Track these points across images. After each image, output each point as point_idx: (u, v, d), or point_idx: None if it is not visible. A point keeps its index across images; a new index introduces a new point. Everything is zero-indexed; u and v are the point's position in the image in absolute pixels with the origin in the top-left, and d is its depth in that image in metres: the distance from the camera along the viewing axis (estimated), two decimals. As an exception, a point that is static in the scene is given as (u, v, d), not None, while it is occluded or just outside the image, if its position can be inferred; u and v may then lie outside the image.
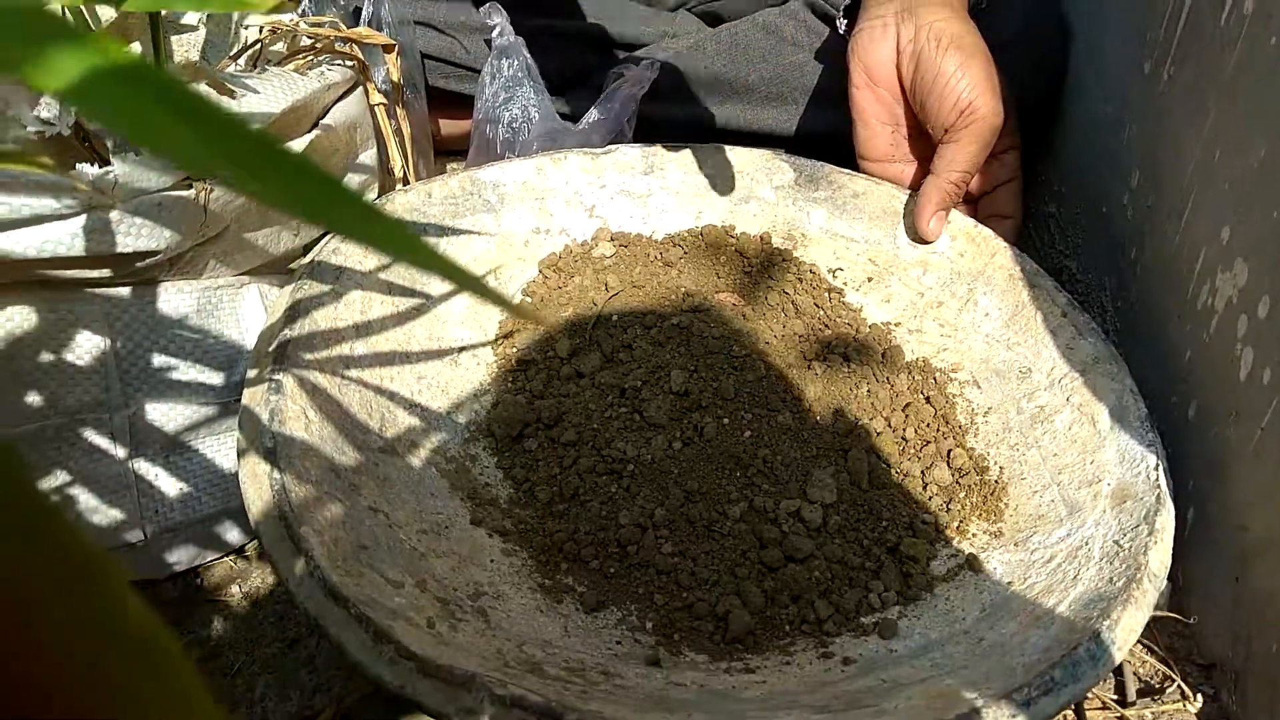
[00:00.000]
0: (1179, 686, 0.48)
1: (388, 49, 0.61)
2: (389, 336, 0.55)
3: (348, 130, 0.57)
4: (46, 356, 0.46)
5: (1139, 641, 0.50)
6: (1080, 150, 0.70)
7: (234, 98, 0.48)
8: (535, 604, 0.45)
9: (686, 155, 0.70)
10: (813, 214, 0.69)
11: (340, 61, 0.58)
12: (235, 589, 0.55)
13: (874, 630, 0.46)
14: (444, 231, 0.63)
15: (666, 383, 0.57)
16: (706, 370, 0.57)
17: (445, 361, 0.58)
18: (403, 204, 0.61)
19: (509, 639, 0.41)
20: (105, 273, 0.45)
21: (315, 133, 0.53)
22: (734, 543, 0.50)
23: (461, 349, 0.60)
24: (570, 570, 0.48)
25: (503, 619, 0.43)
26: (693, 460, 0.53)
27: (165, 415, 0.50)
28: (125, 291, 0.47)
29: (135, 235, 0.43)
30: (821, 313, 0.65)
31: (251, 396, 0.46)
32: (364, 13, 0.69)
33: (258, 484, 0.41)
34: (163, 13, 0.46)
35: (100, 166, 0.43)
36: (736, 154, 0.70)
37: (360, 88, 0.59)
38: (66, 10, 0.42)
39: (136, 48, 0.56)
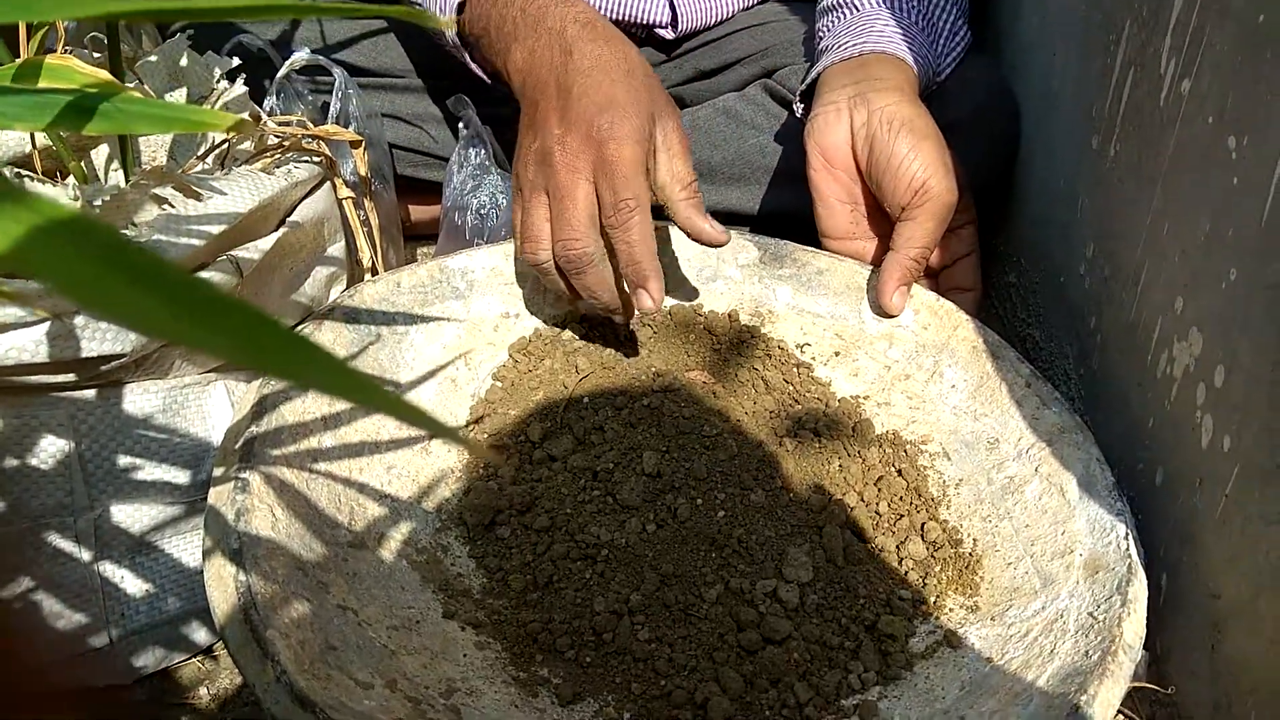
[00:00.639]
0: (1163, 759, 0.48)
1: (354, 144, 0.62)
2: (358, 427, 0.55)
3: (315, 225, 0.58)
4: (10, 462, 0.46)
5: (1120, 712, 0.50)
6: (1036, 223, 0.72)
7: (200, 200, 0.48)
8: (510, 699, 0.45)
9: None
10: (779, 291, 0.70)
11: (308, 158, 0.59)
12: (204, 691, 0.54)
13: (855, 713, 0.46)
14: (414, 320, 0.63)
15: (639, 464, 0.57)
16: (678, 450, 0.58)
17: (416, 450, 0.58)
18: (372, 294, 0.61)
19: (483, 738, 0.40)
20: (70, 377, 0.45)
21: (282, 230, 0.53)
22: (711, 626, 0.49)
23: (432, 436, 0.60)
24: (545, 661, 0.48)
25: (476, 717, 0.42)
26: (667, 542, 0.53)
27: (131, 516, 0.50)
28: (90, 394, 0.47)
29: (100, 339, 0.43)
30: (791, 388, 0.65)
31: (217, 496, 0.45)
32: (332, 108, 0.71)
33: (223, 587, 0.40)
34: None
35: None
36: (702, 234, 0.71)
37: (328, 183, 0.60)
38: (37, 137, 0.42)
39: (104, 150, 0.56)
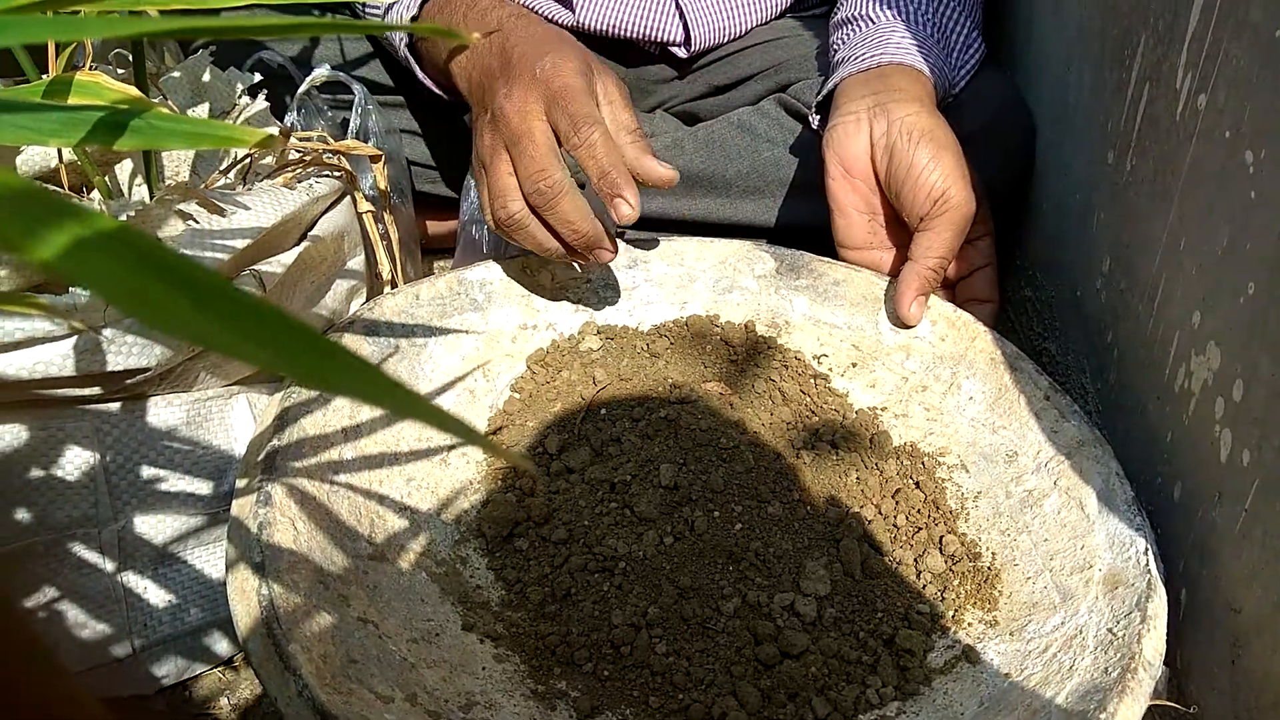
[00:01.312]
0: (1184, 775, 0.48)
1: (374, 159, 0.63)
2: (378, 439, 0.56)
3: (335, 239, 0.58)
4: (36, 473, 0.46)
5: (1141, 729, 0.49)
6: (1052, 236, 0.72)
7: (224, 215, 0.49)
8: (528, 712, 0.45)
9: (669, 248, 0.71)
10: (795, 302, 0.70)
11: (328, 173, 0.59)
12: (224, 701, 0.54)
13: (872, 727, 0.46)
14: (432, 332, 0.63)
15: (656, 476, 0.57)
16: (695, 463, 0.58)
17: (435, 461, 0.58)
18: (391, 307, 0.62)
19: (502, 750, 0.41)
20: (95, 390, 0.46)
21: (304, 244, 0.54)
22: (728, 640, 0.49)
23: (451, 448, 0.60)
24: (563, 674, 0.48)
25: (496, 729, 0.42)
26: (684, 555, 0.53)
27: (154, 527, 0.50)
28: (115, 407, 0.47)
29: (125, 354, 0.44)
30: (808, 399, 0.65)
31: (240, 508, 0.46)
32: (351, 124, 0.71)
33: (246, 600, 0.41)
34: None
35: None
36: (718, 245, 0.72)
37: (348, 197, 0.61)
38: (63, 152, 0.43)
39: (128, 165, 0.57)
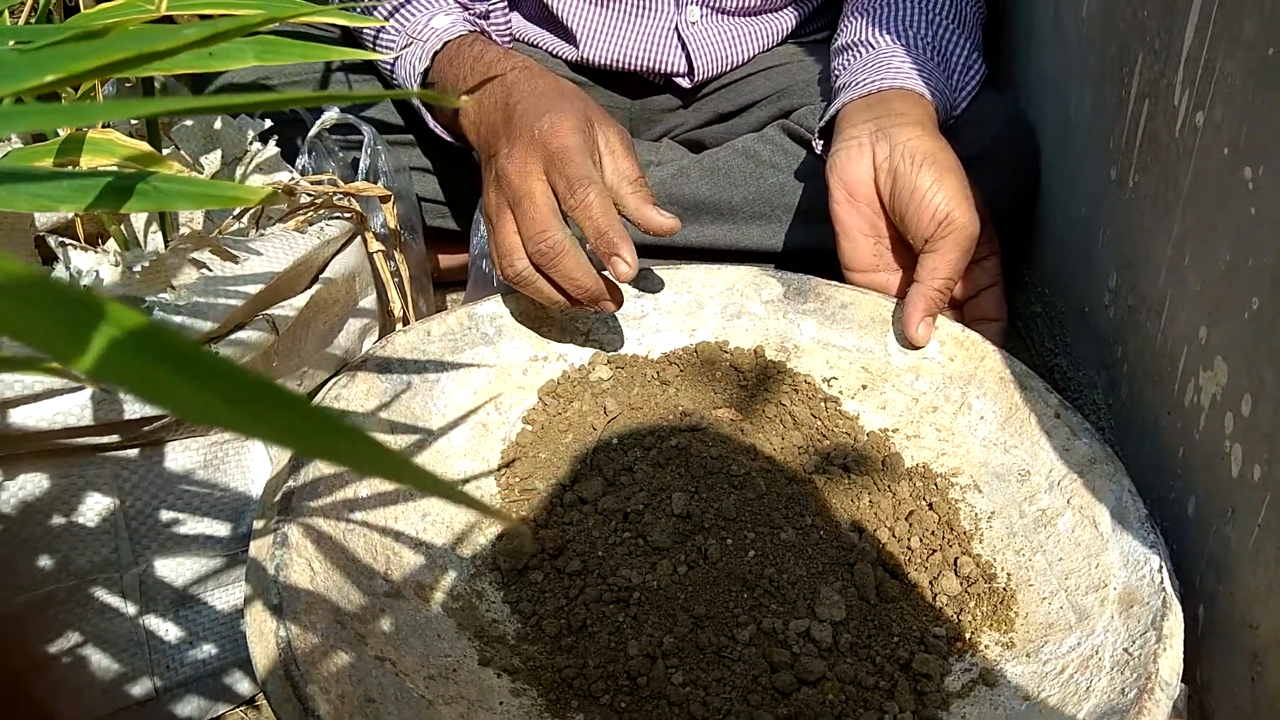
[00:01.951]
0: (1208, 795, 0.47)
1: (384, 199, 0.64)
2: (393, 477, 0.56)
3: (347, 280, 0.59)
4: (58, 520, 0.47)
5: (1163, 748, 0.49)
6: (1059, 253, 0.72)
7: (237, 261, 0.50)
8: (546, 746, 0.45)
9: (676, 275, 0.72)
10: (803, 325, 0.70)
11: (339, 214, 0.60)
12: (246, 741, 0.55)
13: (891, 754, 0.46)
14: (444, 367, 0.64)
15: (668, 505, 0.57)
16: (707, 490, 0.58)
17: (449, 497, 0.59)
18: (403, 344, 0.63)
19: (520, 786, 0.41)
20: (114, 438, 0.47)
21: (316, 287, 0.55)
22: (745, 668, 0.49)
23: (465, 481, 0.61)
24: (581, 707, 0.48)
25: (514, 764, 0.43)
26: (698, 584, 0.53)
27: (174, 570, 0.51)
28: (133, 453, 0.48)
29: (142, 402, 0.45)
30: (819, 422, 0.65)
31: (258, 549, 0.47)
32: (361, 164, 0.73)
33: (264, 641, 0.41)
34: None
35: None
36: (725, 272, 0.72)
37: (359, 237, 0.62)
38: (78, 218, 0.44)
39: (143, 214, 0.58)
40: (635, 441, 0.62)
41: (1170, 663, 0.43)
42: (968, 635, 0.51)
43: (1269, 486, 0.45)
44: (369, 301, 0.64)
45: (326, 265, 0.58)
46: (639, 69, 0.88)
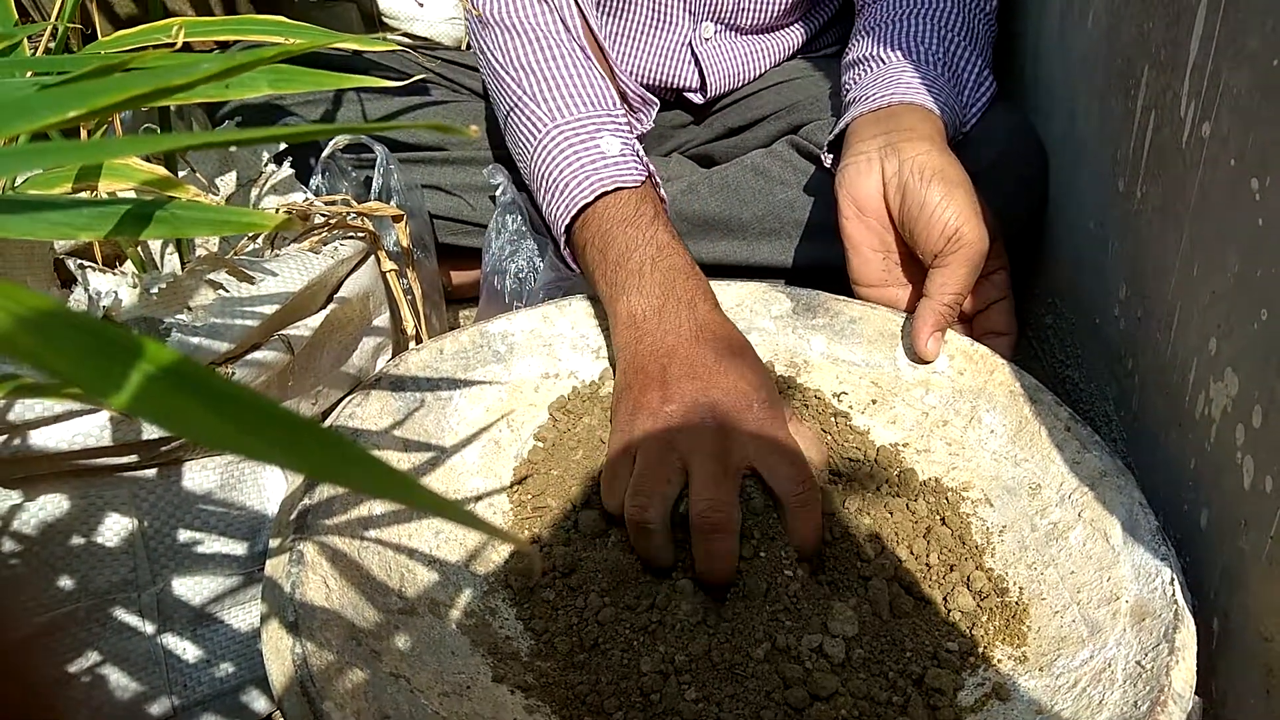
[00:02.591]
0: (1225, 809, 0.47)
1: (396, 218, 0.65)
2: (406, 494, 0.57)
3: (361, 299, 0.60)
4: (77, 541, 0.48)
5: (1179, 762, 0.49)
6: (1069, 265, 0.72)
7: (252, 282, 0.51)
8: (560, 762, 0.45)
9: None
10: (813, 341, 0.70)
11: (352, 234, 0.61)
12: (263, 758, 0.55)
13: (904, 769, 0.46)
14: (457, 385, 0.65)
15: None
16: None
17: (462, 514, 0.59)
18: (416, 362, 0.63)
19: (534, 802, 0.41)
20: (132, 458, 0.47)
21: (331, 306, 0.56)
22: (758, 684, 0.49)
23: (477, 499, 0.61)
24: (594, 723, 0.48)
25: (527, 781, 0.43)
26: (711, 600, 0.53)
27: (192, 589, 0.52)
28: (151, 473, 0.49)
29: (169, 433, 0.46)
30: (829, 438, 0.66)
31: (274, 567, 0.47)
32: (374, 182, 0.74)
33: (280, 659, 0.42)
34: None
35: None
36: (734, 287, 0.73)
37: (372, 257, 0.62)
38: (82, 264, 0.45)
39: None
40: (647, 457, 0.62)
41: (1183, 675, 0.43)
42: (980, 649, 0.51)
43: (1281, 498, 0.45)
44: (382, 320, 0.65)
45: (341, 285, 0.59)
46: (652, 84, 0.88)
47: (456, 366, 0.65)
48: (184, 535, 0.50)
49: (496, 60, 0.71)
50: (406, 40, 1.03)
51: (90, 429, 0.45)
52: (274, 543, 0.49)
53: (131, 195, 0.53)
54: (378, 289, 0.63)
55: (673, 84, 0.88)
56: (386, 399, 0.60)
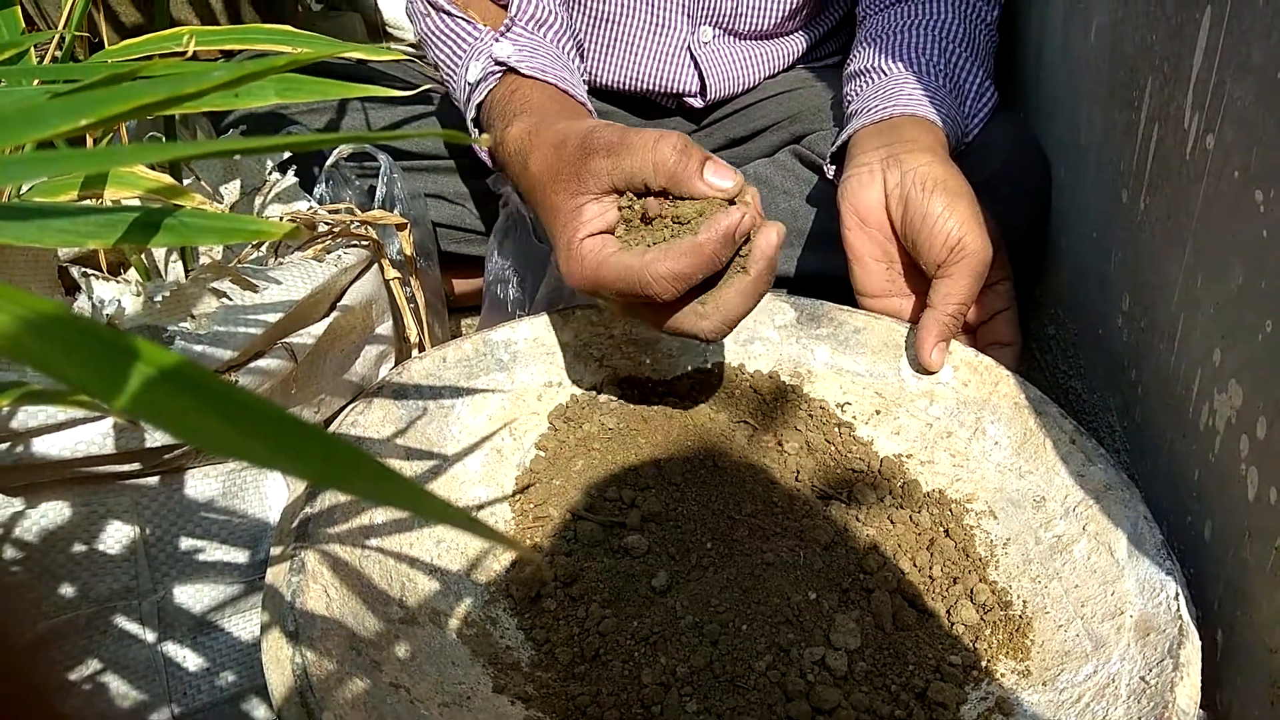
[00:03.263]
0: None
1: (400, 227, 0.65)
2: (408, 503, 0.57)
3: (364, 307, 0.60)
4: (78, 548, 0.48)
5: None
6: (1072, 275, 0.72)
7: (256, 291, 0.51)
8: (561, 773, 0.45)
9: (690, 302, 0.72)
10: (817, 351, 0.70)
11: (356, 243, 0.61)
12: (263, 768, 0.55)
13: (906, 782, 0.45)
14: (459, 393, 0.65)
15: (682, 534, 0.57)
16: (723, 518, 0.58)
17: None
18: (419, 370, 0.63)
19: (534, 814, 0.41)
20: (135, 466, 0.47)
21: (334, 315, 0.56)
22: (759, 696, 0.49)
23: (479, 507, 0.61)
24: (595, 734, 0.48)
25: (528, 792, 0.43)
26: (714, 612, 0.53)
27: (193, 597, 0.51)
28: (153, 481, 0.49)
29: (175, 439, 0.46)
30: (833, 448, 0.65)
31: (274, 575, 0.47)
32: (378, 191, 0.74)
33: (280, 668, 0.42)
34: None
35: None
36: (738, 298, 0.72)
37: (375, 265, 0.62)
38: (85, 272, 0.45)
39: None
40: (649, 464, 0.62)
41: (1188, 691, 0.42)
42: (984, 663, 0.51)
43: (1286, 511, 0.45)
44: (385, 328, 0.65)
45: (344, 293, 0.59)
46: (651, 89, 0.88)
47: (459, 375, 0.65)
48: (185, 543, 0.50)
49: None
50: (410, 50, 1.04)
51: (93, 436, 0.45)
52: (275, 551, 0.49)
53: (136, 203, 0.53)
54: (381, 297, 0.63)
55: (673, 88, 0.88)
56: (389, 407, 0.60)
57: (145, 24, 0.92)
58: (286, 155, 0.68)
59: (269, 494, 0.54)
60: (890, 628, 0.53)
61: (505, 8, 0.75)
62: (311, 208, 0.63)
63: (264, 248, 0.61)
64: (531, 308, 0.78)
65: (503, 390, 0.67)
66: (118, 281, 0.53)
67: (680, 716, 0.48)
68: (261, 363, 0.50)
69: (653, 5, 0.85)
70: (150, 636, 0.51)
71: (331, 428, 0.57)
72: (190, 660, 0.52)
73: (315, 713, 0.39)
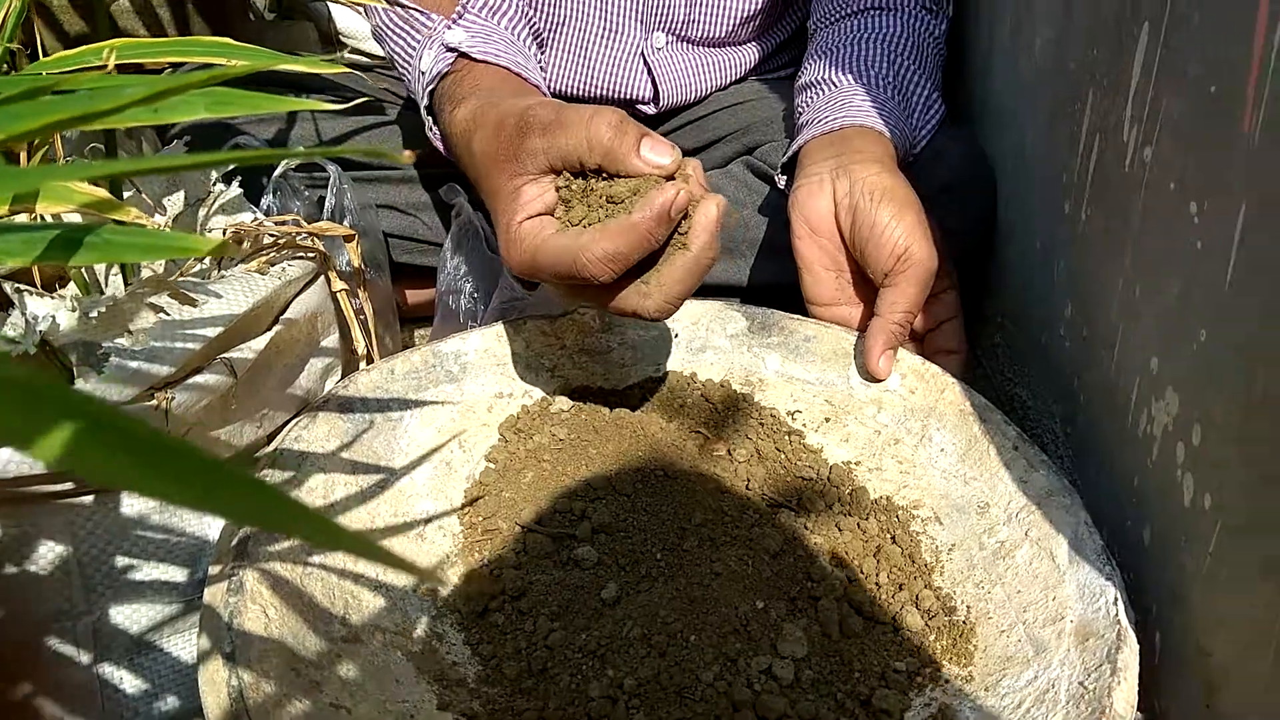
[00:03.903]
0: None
1: (348, 238, 0.64)
2: (353, 517, 0.56)
3: (309, 320, 0.59)
4: (10, 570, 0.47)
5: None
6: (1018, 284, 0.73)
7: (195, 305, 0.50)
8: (505, 790, 0.45)
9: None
10: (768, 359, 0.71)
11: (302, 254, 0.60)
12: (205, 790, 0.54)
13: (851, 791, 0.46)
14: (408, 405, 0.64)
15: (633, 544, 0.57)
16: (672, 528, 0.58)
17: (411, 536, 0.58)
18: (366, 383, 0.62)
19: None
20: (68, 485, 0.46)
21: (276, 328, 0.55)
22: (706, 707, 0.49)
23: (427, 521, 0.60)
24: (541, 750, 0.48)
25: (471, 810, 0.42)
26: (662, 623, 0.53)
27: (129, 618, 0.50)
28: (88, 499, 0.48)
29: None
30: (783, 456, 0.66)
31: (212, 595, 0.46)
32: (327, 202, 0.73)
33: (216, 691, 0.41)
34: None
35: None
36: (690, 306, 0.72)
37: (322, 277, 0.62)
38: (19, 287, 0.44)
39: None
40: (599, 475, 0.62)
41: (1124, 695, 0.43)
42: (928, 670, 0.52)
43: (1219, 515, 0.46)
44: (332, 341, 0.64)
45: (288, 306, 0.58)
46: (606, 96, 0.88)
47: (408, 387, 0.65)
48: (121, 562, 0.49)
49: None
50: (365, 59, 1.03)
51: (24, 456, 0.44)
52: (213, 570, 0.48)
53: (76, 217, 0.52)
54: (327, 309, 0.62)
55: (626, 94, 0.88)
56: (334, 421, 0.59)
57: (91, 34, 0.90)
58: (232, 165, 0.67)
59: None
60: (837, 635, 0.53)
61: None
62: (256, 219, 0.62)
63: (207, 261, 0.61)
64: (484, 318, 0.78)
65: (452, 402, 0.66)
66: (53, 297, 0.52)
67: (626, 730, 0.48)
68: (199, 378, 0.49)
69: (606, 10, 0.85)
70: (85, 658, 0.50)
71: (275, 443, 0.56)
72: (128, 682, 0.51)
73: (249, 736, 0.38)
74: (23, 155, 0.55)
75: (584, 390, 0.70)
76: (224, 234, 0.60)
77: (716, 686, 0.50)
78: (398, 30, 0.76)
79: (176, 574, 0.51)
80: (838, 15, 0.82)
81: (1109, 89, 0.57)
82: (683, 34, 0.87)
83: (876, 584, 0.57)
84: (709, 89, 0.91)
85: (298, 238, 0.62)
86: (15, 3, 0.48)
